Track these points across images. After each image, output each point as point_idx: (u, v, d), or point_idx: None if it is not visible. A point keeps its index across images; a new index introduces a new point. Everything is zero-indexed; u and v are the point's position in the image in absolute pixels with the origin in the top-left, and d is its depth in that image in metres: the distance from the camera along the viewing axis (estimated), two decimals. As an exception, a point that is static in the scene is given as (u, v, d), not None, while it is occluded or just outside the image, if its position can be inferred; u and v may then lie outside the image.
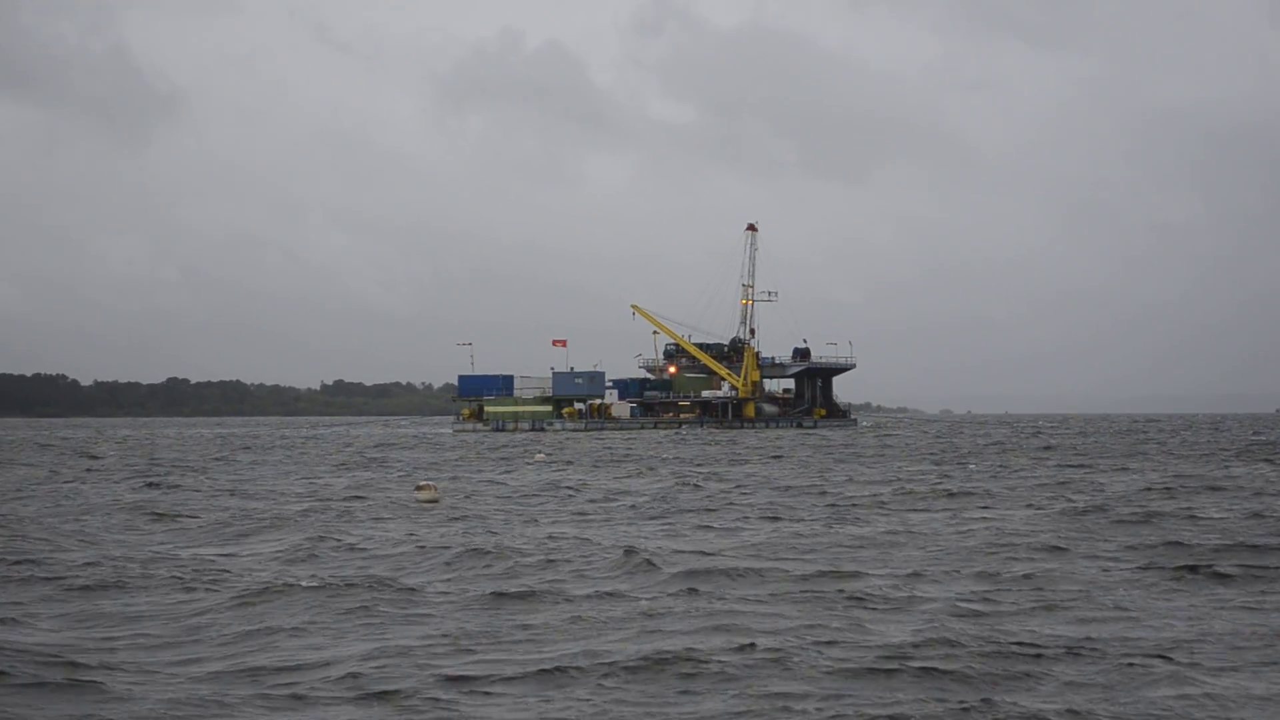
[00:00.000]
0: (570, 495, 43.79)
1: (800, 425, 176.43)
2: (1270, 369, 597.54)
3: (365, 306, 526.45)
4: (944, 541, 28.44)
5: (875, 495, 42.53)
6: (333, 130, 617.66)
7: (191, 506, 39.28)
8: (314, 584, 22.04)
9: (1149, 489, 44.16)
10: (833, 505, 38.70)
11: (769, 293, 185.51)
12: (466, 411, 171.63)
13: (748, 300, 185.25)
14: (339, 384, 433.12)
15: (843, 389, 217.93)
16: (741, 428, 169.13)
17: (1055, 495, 41.81)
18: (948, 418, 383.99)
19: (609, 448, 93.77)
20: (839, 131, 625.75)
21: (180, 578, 23.07)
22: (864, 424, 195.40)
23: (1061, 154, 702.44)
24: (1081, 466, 61.41)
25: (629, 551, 25.38)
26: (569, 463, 66.99)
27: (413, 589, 21.91)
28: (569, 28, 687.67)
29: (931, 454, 77.27)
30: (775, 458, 73.08)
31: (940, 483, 48.55)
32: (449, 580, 23.19)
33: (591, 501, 40.85)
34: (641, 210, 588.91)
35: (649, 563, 24.06)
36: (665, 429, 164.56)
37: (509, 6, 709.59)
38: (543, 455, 67.23)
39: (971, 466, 60.34)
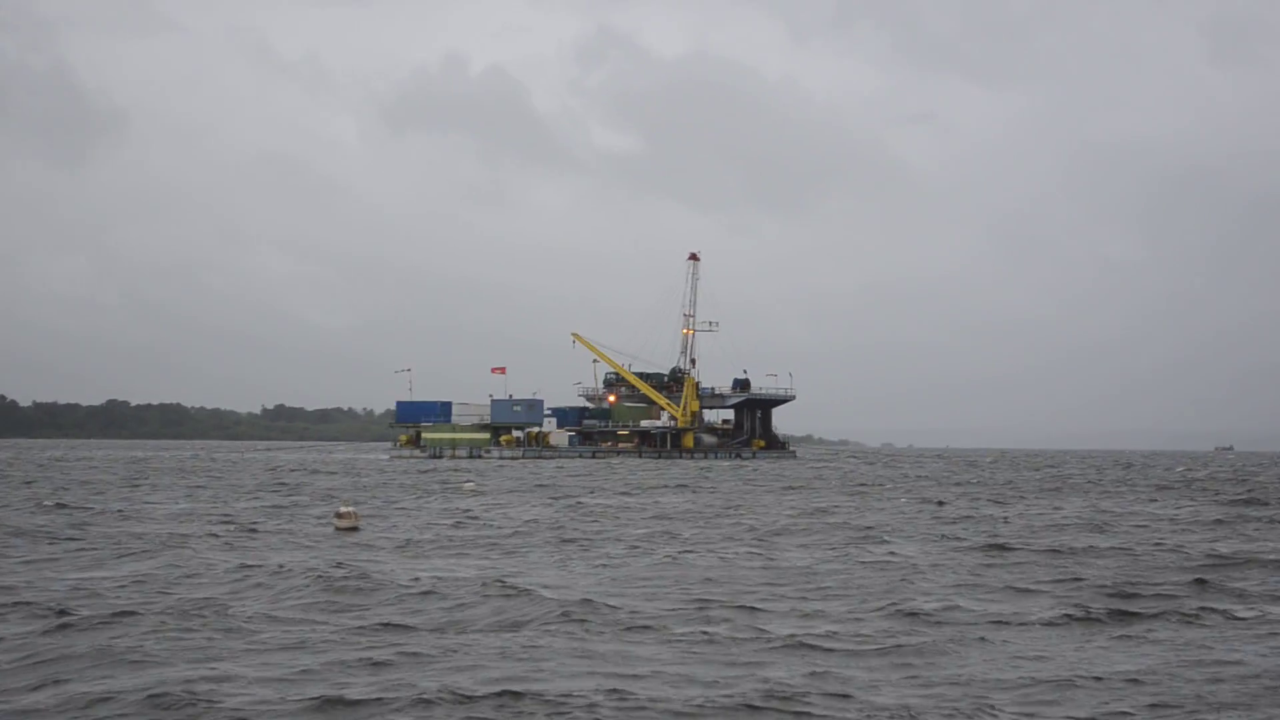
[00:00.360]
0: (465, 524, 43.48)
1: (739, 456, 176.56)
2: (1214, 410, 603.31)
3: (307, 332, 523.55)
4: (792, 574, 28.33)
5: (756, 527, 42.37)
6: (275, 154, 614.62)
7: (62, 529, 38.74)
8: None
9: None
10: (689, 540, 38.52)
11: (710, 323, 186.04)
12: (404, 438, 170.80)
13: (689, 330, 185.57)
14: (280, 409, 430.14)
15: (784, 420, 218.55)
16: (679, 458, 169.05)
17: (945, 534, 41.81)
18: (888, 450, 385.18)
19: (535, 475, 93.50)
20: (782, 162, 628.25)
21: None
22: (801, 456, 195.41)
23: (1003, 187, 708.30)
24: (995, 501, 61.63)
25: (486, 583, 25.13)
26: (481, 493, 66.56)
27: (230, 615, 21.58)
28: (512, 54, 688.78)
29: (850, 487, 77.34)
30: (686, 489, 72.96)
31: (836, 515, 48.47)
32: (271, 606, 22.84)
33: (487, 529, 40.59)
34: (584, 238, 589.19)
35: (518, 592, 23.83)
36: (603, 458, 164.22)
37: (453, 32, 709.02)
38: (471, 484, 66.76)
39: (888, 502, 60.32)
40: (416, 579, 26.03)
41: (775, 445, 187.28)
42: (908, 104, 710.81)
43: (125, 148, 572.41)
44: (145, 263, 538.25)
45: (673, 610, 22.51)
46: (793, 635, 19.94)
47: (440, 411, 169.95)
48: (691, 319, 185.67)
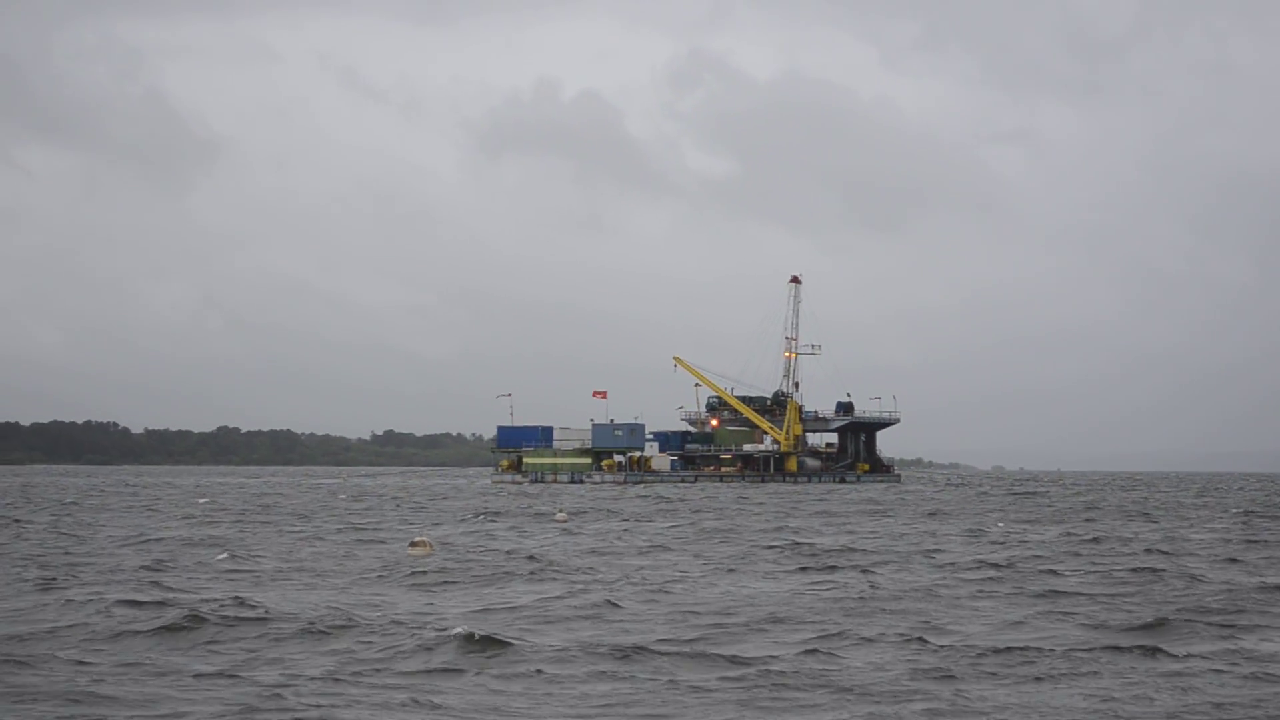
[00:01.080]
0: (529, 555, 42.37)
1: (843, 480, 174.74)
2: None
3: (412, 356, 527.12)
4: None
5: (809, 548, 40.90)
6: (371, 179, 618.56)
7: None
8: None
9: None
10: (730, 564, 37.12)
11: (812, 346, 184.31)
12: (505, 463, 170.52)
13: (791, 353, 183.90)
14: (389, 434, 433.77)
15: (888, 444, 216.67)
16: (783, 481, 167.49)
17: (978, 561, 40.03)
18: (999, 473, 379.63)
19: (642, 498, 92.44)
20: (879, 181, 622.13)
21: None
22: (908, 479, 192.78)
23: (1103, 206, 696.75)
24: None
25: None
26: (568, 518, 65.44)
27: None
28: (605, 78, 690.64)
29: (942, 513, 75.45)
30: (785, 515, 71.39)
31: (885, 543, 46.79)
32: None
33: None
34: (683, 261, 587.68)
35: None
36: (706, 482, 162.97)
37: (545, 56, 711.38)
38: (563, 514, 65.82)
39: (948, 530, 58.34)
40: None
41: (880, 468, 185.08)
42: (1001, 123, 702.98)
43: (223, 174, 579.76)
44: (249, 289, 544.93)
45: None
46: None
47: (541, 436, 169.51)
48: (794, 342, 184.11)
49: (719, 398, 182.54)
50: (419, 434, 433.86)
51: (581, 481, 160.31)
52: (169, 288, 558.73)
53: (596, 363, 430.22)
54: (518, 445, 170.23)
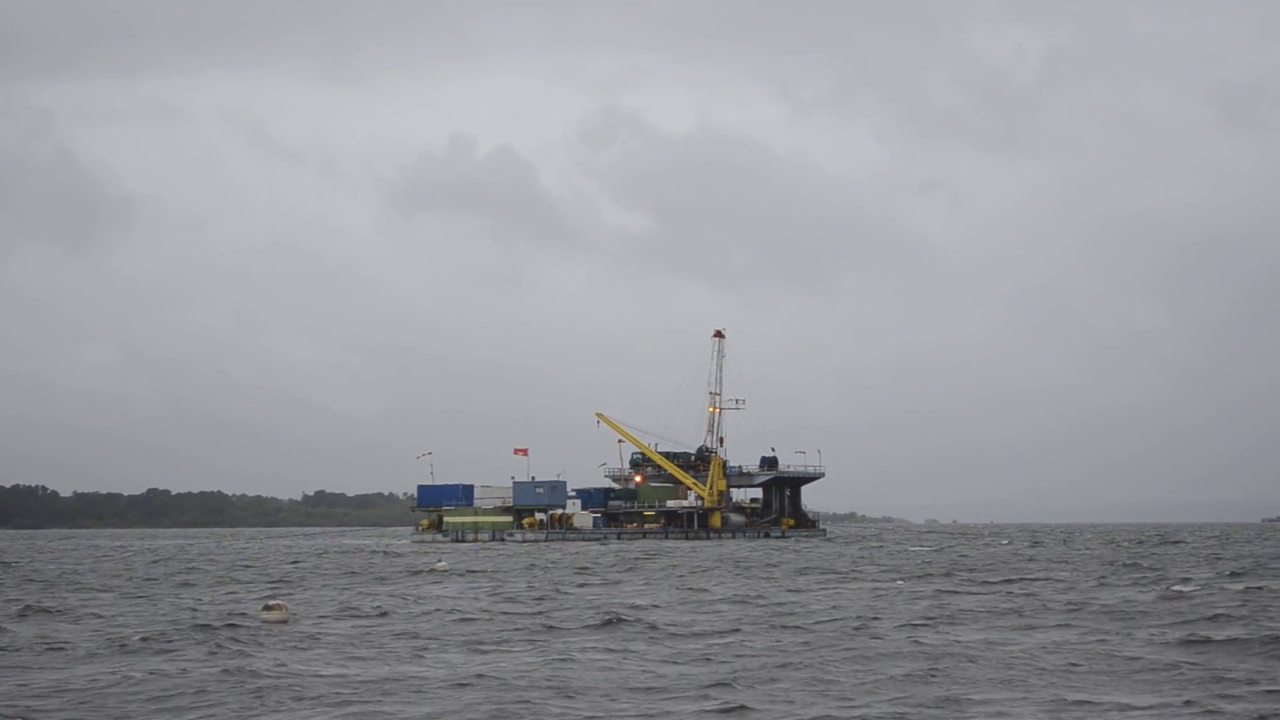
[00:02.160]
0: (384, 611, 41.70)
1: (767, 535, 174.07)
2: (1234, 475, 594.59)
3: (338, 417, 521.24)
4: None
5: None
6: (288, 236, 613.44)
7: None
8: None
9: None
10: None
11: (736, 400, 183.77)
12: (425, 522, 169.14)
13: (715, 408, 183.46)
14: (320, 495, 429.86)
15: (817, 499, 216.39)
16: (706, 538, 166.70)
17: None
18: (932, 527, 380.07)
19: (531, 558, 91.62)
20: (797, 236, 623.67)
21: None
22: (832, 534, 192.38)
23: (1022, 258, 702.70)
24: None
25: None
26: (448, 574, 64.74)
27: None
28: (519, 135, 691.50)
29: (835, 570, 75.14)
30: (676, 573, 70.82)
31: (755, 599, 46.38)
32: None
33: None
34: (604, 318, 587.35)
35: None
36: (628, 539, 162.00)
37: (458, 114, 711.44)
38: (443, 564, 65.20)
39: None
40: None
41: (805, 523, 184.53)
42: (916, 174, 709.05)
43: (133, 235, 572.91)
44: (169, 351, 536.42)
45: None
46: None
47: (462, 495, 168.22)
48: (718, 397, 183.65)
49: (643, 454, 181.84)
50: (350, 494, 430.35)
51: (503, 540, 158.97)
52: (89, 348, 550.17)
53: (519, 419, 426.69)
54: (438, 504, 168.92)
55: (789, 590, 52.03)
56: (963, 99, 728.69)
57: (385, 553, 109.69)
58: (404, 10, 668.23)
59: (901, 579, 60.01)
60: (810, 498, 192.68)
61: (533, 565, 78.02)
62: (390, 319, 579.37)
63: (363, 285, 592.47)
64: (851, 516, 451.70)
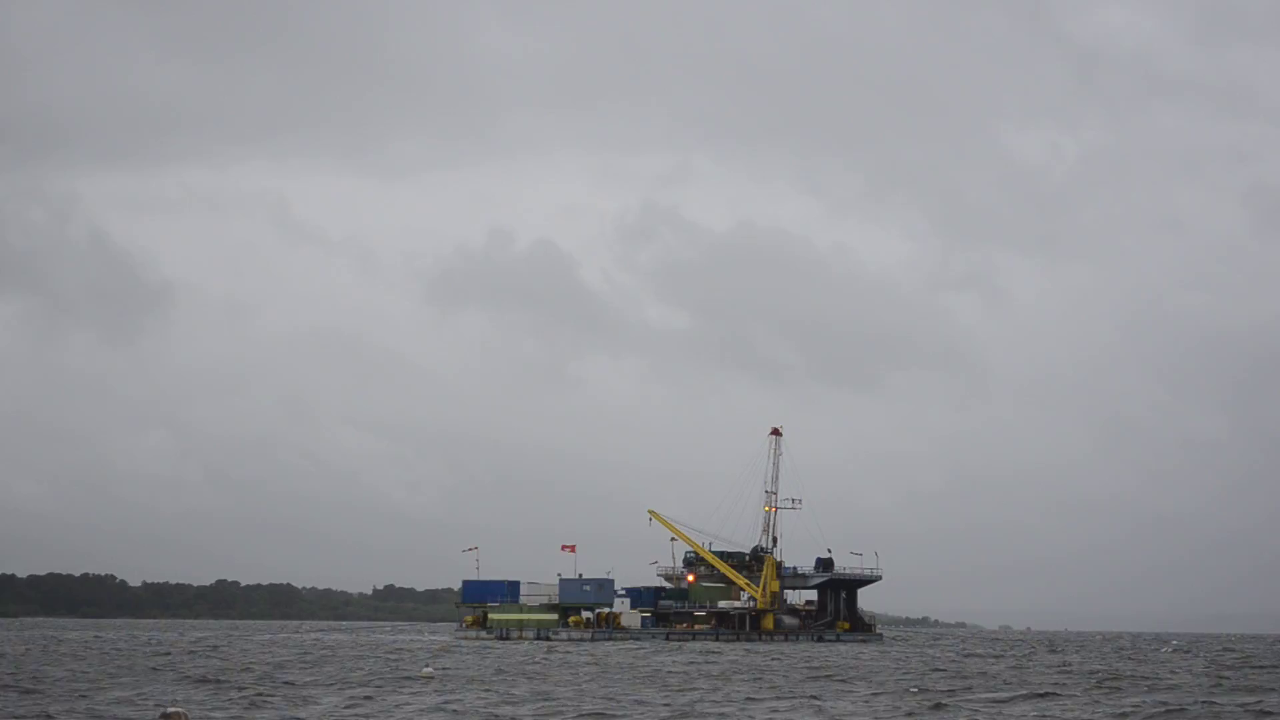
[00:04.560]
0: None
1: (821, 638, 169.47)
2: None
3: (394, 509, 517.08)
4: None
5: None
6: (328, 328, 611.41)
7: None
8: None
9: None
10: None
11: (792, 500, 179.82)
12: (470, 619, 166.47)
13: (770, 507, 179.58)
14: (390, 589, 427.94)
15: (883, 603, 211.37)
16: (759, 640, 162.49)
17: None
18: (1006, 634, 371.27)
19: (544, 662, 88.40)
20: (843, 335, 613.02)
21: None
22: (890, 639, 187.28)
23: (1075, 365, 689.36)
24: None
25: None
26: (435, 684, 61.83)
27: None
28: (558, 233, 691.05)
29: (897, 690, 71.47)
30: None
31: None
32: None
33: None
34: (652, 414, 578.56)
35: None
36: (679, 639, 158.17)
37: (496, 210, 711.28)
38: (429, 670, 62.30)
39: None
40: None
41: (861, 627, 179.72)
42: (957, 275, 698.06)
43: (178, 321, 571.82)
44: (221, 440, 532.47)
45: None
46: None
47: (508, 591, 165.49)
48: (773, 496, 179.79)
49: (695, 553, 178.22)
50: (420, 589, 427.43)
51: (548, 638, 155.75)
52: (142, 437, 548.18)
53: (569, 518, 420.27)
54: (483, 600, 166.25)
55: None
56: (997, 197, 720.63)
57: (406, 650, 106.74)
58: (435, 105, 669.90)
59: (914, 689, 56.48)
60: (880, 602, 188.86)
61: (534, 675, 75.11)
62: (438, 411, 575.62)
63: (407, 378, 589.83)
64: (925, 620, 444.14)
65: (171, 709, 37.34)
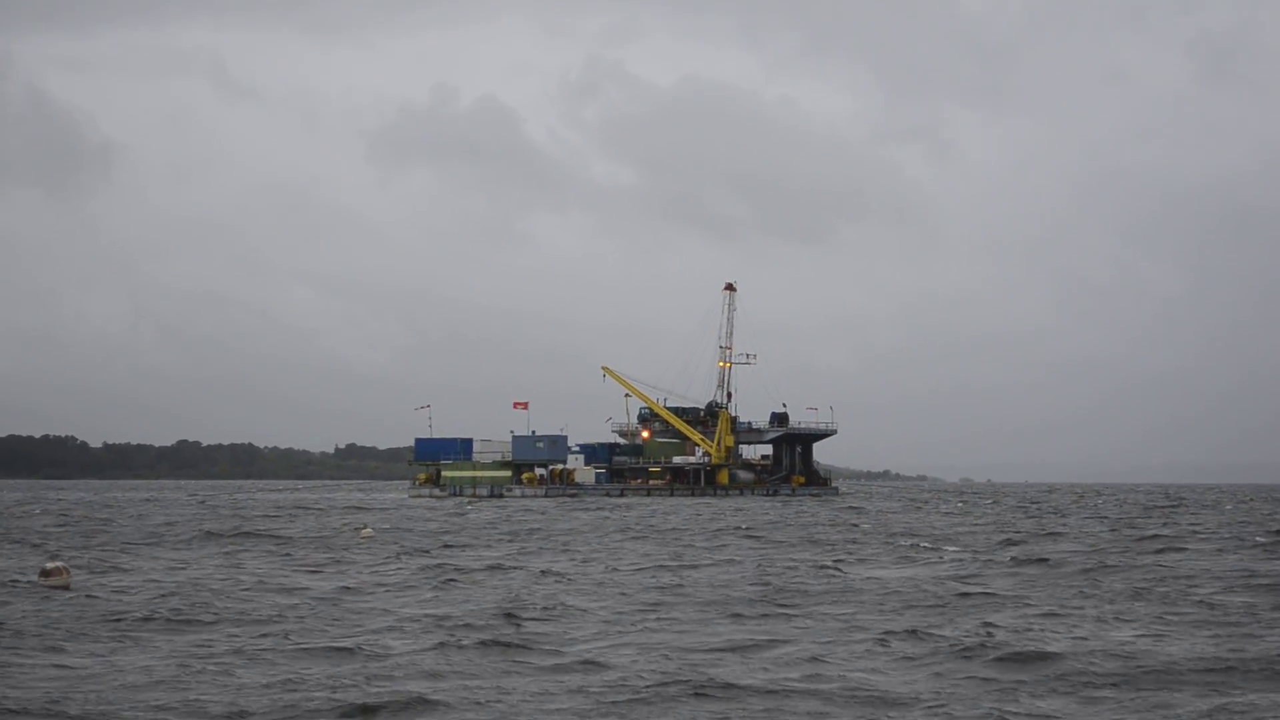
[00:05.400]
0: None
1: (776, 493, 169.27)
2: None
3: (350, 368, 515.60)
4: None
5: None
6: (274, 187, 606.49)
7: None
8: None
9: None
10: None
11: (747, 355, 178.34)
12: (423, 476, 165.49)
13: (725, 363, 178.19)
14: (351, 448, 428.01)
15: (842, 456, 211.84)
16: (713, 495, 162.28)
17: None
18: (967, 485, 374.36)
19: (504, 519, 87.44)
20: (792, 190, 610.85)
21: None
22: (844, 491, 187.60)
23: (1030, 221, 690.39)
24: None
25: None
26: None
27: None
28: (502, 89, 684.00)
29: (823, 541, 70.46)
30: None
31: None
32: None
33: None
34: (602, 271, 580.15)
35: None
36: (633, 495, 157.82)
37: (440, 66, 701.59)
38: (369, 530, 60.90)
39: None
40: None
41: (816, 481, 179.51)
42: (904, 126, 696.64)
43: (119, 183, 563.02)
44: (175, 299, 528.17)
45: None
46: None
47: (460, 449, 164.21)
48: (728, 351, 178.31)
49: (650, 409, 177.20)
50: (382, 447, 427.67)
51: (501, 495, 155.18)
52: (93, 297, 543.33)
53: (523, 375, 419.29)
54: (436, 458, 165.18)
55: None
56: (943, 50, 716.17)
57: (358, 508, 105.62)
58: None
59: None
60: (842, 457, 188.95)
61: (461, 529, 73.91)
62: (388, 268, 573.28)
63: (357, 235, 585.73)
64: (886, 475, 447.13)
65: (52, 565, 35.98)
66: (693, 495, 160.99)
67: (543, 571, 38.95)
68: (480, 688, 18.94)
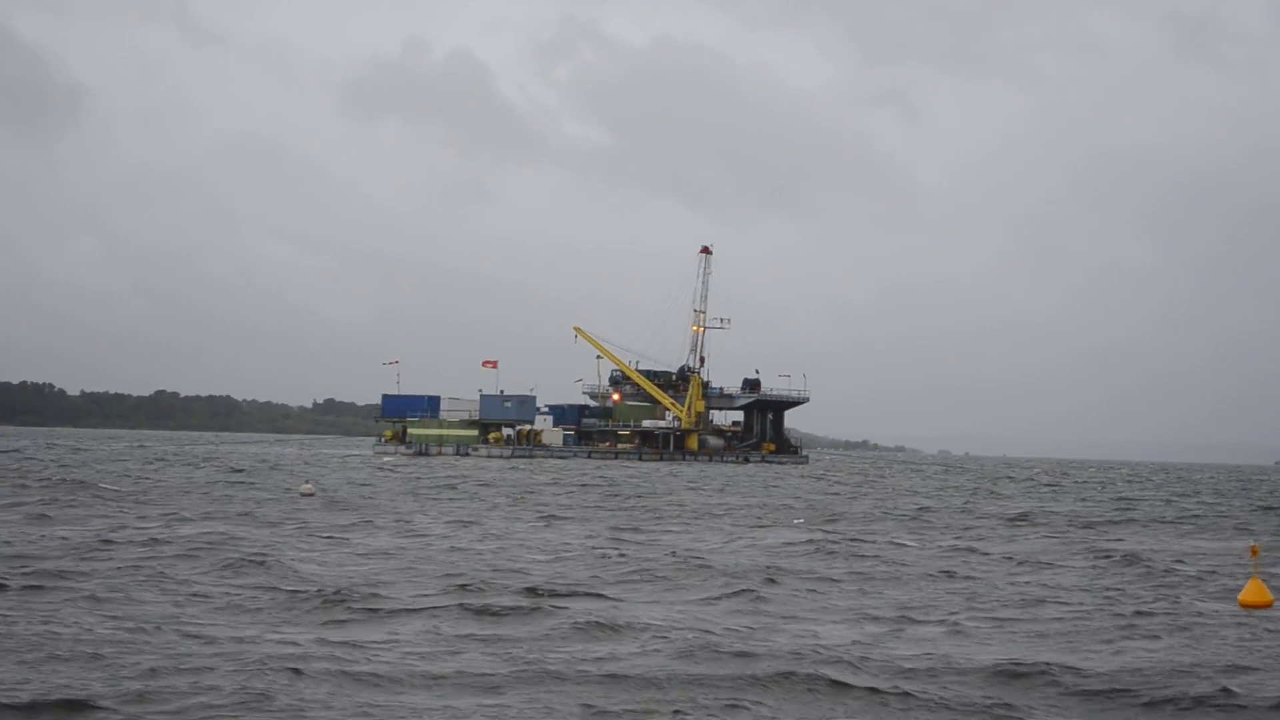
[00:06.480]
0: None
1: (746, 460, 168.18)
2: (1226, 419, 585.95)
3: (325, 323, 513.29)
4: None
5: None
6: (245, 135, 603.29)
7: None
8: None
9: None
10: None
11: (721, 319, 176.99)
12: (389, 433, 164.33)
13: (699, 326, 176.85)
14: (330, 403, 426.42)
15: (828, 425, 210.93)
16: (681, 460, 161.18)
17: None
18: (944, 458, 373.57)
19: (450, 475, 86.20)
20: (765, 154, 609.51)
21: None
22: (817, 461, 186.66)
23: (1002, 185, 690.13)
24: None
25: None
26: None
27: None
28: (476, 44, 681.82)
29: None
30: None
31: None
32: None
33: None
34: (576, 231, 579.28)
35: None
36: (601, 459, 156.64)
37: (411, 18, 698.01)
38: (309, 487, 59.57)
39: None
40: None
41: (786, 449, 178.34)
42: (877, 90, 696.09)
43: (91, 128, 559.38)
44: (149, 249, 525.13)
45: None
46: None
47: (427, 406, 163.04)
48: (702, 315, 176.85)
49: (621, 371, 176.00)
50: (360, 403, 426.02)
51: (467, 454, 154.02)
52: (68, 244, 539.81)
53: (495, 332, 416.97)
54: (403, 415, 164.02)
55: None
56: (915, 16, 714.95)
57: (308, 464, 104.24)
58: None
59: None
60: (820, 425, 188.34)
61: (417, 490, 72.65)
62: (361, 222, 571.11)
63: (327, 188, 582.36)
64: (865, 444, 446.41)
65: None
66: (661, 460, 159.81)
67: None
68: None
